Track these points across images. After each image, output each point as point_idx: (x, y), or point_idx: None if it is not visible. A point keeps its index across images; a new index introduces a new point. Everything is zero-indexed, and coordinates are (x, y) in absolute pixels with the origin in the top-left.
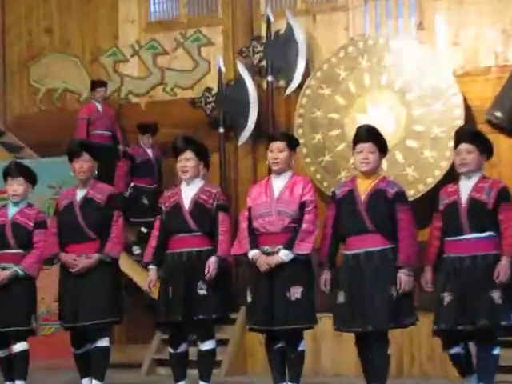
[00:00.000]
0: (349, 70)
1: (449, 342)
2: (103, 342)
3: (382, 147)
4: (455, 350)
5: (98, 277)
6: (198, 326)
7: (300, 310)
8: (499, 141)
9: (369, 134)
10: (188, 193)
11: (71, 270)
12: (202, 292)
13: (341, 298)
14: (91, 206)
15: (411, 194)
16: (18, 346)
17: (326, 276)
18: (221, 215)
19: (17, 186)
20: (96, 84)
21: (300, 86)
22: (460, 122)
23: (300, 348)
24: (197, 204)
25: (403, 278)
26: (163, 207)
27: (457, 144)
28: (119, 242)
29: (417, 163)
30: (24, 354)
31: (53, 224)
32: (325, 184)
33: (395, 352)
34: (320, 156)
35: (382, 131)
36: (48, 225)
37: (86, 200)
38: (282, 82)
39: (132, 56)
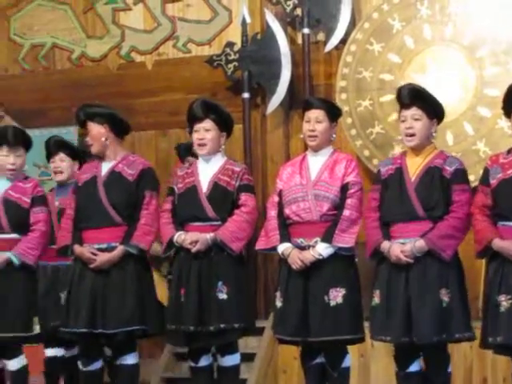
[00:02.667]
0: (405, 21)
1: None
2: (131, 359)
3: (432, 111)
4: None
5: (122, 274)
6: (216, 337)
7: (341, 318)
8: None
9: (412, 97)
10: (206, 172)
11: (89, 265)
12: (222, 296)
13: (376, 299)
14: (119, 183)
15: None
16: (13, 363)
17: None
18: (243, 196)
19: (15, 157)
20: None
21: (344, 41)
22: None
23: (344, 365)
24: (216, 186)
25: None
26: (175, 188)
27: None
28: (150, 230)
29: (490, 136)
30: (21, 373)
31: (70, 204)
32: (374, 162)
33: (462, 371)
34: (368, 127)
35: (446, 96)
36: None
37: (113, 175)
38: (321, 36)
39: (135, 4)
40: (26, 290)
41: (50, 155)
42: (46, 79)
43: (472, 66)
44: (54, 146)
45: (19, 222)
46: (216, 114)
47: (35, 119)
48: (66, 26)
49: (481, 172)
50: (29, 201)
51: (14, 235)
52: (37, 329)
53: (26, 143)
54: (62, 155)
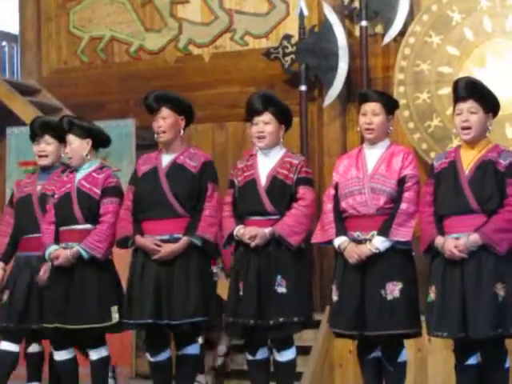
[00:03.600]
0: (464, 13)
1: None
2: (194, 349)
3: (488, 105)
4: None
5: (186, 266)
6: (275, 331)
7: (398, 312)
8: None
9: (468, 90)
10: (265, 165)
11: (152, 256)
12: (281, 289)
13: (432, 294)
14: (181, 174)
15: None
16: (94, 353)
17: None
18: (302, 190)
19: (68, 147)
20: None
21: (402, 33)
22: None
23: (400, 359)
24: (275, 180)
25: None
26: (236, 181)
27: None
28: (214, 222)
29: None
30: (104, 362)
31: (128, 195)
32: (432, 155)
33: None
34: (426, 120)
35: (505, 90)
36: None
37: (175, 166)
38: (379, 28)
39: None
40: (101, 280)
41: (34, 137)
42: (105, 72)
43: None
44: (40, 128)
45: (91, 212)
46: (275, 106)
47: (93, 112)
48: (125, 19)
49: None
50: (99, 192)
51: (85, 226)
52: (116, 317)
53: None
54: (47, 138)
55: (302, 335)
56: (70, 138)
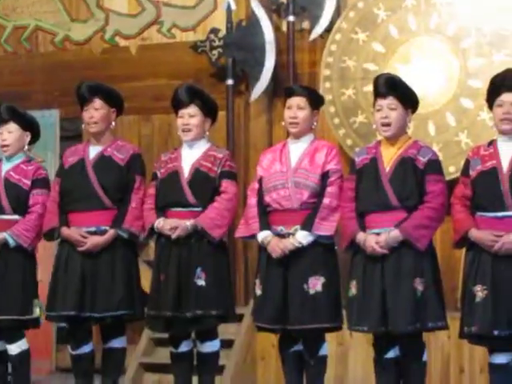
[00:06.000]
0: (390, 11)
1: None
2: (119, 342)
3: (407, 101)
4: (499, 359)
5: (111, 258)
6: (194, 324)
7: (320, 306)
8: None
9: (388, 86)
10: (189, 158)
11: (78, 248)
12: (201, 282)
13: (353, 289)
14: (109, 166)
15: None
16: (13, 348)
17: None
18: (225, 183)
19: (7, 133)
20: None
21: (328, 30)
22: None
23: (321, 353)
24: (198, 172)
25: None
26: (158, 173)
27: (497, 93)
28: (141, 215)
29: (472, 127)
30: (23, 356)
31: (54, 187)
32: (357, 151)
33: (439, 362)
34: (351, 116)
35: (429, 87)
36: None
37: (102, 158)
38: (306, 24)
39: None
40: (24, 272)
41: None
42: (29, 62)
43: (456, 57)
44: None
45: (19, 203)
46: (201, 99)
47: (18, 102)
48: (50, 9)
49: (462, 163)
50: (29, 183)
51: (13, 216)
52: (36, 312)
53: (18, 119)
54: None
55: (226, 328)
56: (12, 126)
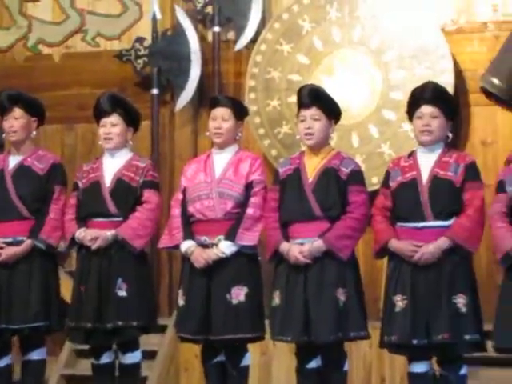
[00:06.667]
0: (314, 22)
1: (409, 358)
2: (38, 354)
3: (330, 112)
4: (418, 368)
5: (28, 269)
6: (115, 335)
7: (243, 316)
8: (496, 114)
9: (311, 97)
10: (111, 167)
11: None
12: (122, 293)
13: (276, 299)
14: (27, 176)
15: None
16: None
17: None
18: (147, 193)
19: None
20: None
21: (254, 40)
22: (449, 90)
23: (244, 363)
24: (120, 182)
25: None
26: (79, 183)
27: (417, 105)
28: (59, 225)
29: (394, 139)
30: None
31: None
32: (281, 161)
33: (361, 371)
34: (276, 127)
35: (352, 99)
36: None
37: (21, 168)
38: (231, 34)
39: None
40: None
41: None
42: None
43: (379, 70)
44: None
45: None
46: (123, 108)
47: None
48: None
49: None
50: None
51: None
52: None
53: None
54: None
55: (149, 339)
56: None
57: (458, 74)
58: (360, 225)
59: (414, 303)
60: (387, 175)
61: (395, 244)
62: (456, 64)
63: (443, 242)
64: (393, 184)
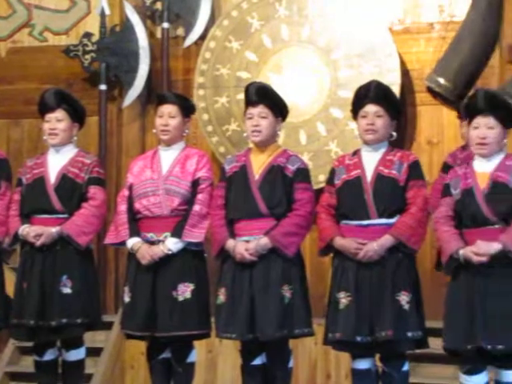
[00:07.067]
0: (263, 20)
1: (353, 354)
2: None
3: (277, 110)
4: (362, 365)
5: None
6: (59, 332)
7: (189, 313)
8: (441, 114)
9: (259, 95)
10: (56, 163)
11: None
12: (66, 290)
13: (222, 296)
14: None
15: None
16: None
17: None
18: (92, 189)
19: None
20: None
21: (203, 37)
22: (395, 90)
23: (189, 360)
24: (65, 178)
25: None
26: (23, 179)
27: (362, 104)
28: (4, 221)
29: (341, 137)
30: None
31: None
32: (227, 158)
33: (306, 368)
34: (225, 124)
35: (301, 97)
36: None
37: None
38: (180, 31)
39: None
40: None
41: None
42: None
43: (327, 68)
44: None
45: None
46: (68, 103)
47: None
48: None
49: None
50: None
51: None
52: None
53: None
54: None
55: (95, 336)
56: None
57: (405, 74)
58: (306, 222)
59: (358, 300)
60: (332, 173)
61: (339, 241)
62: (403, 63)
63: (386, 240)
64: (337, 182)
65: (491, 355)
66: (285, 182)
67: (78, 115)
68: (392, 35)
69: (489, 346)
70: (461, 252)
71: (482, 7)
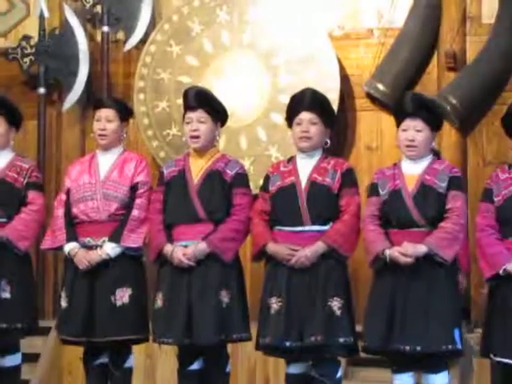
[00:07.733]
0: (204, 25)
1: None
2: None
3: (216, 115)
4: (295, 369)
5: None
6: None
7: (127, 318)
8: (381, 119)
9: (197, 99)
10: None
11: None
12: (5, 295)
13: (159, 301)
14: None
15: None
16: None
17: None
18: (31, 194)
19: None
20: None
21: (143, 41)
22: (334, 96)
23: (127, 365)
24: (3, 183)
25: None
26: None
27: (296, 111)
28: None
29: (282, 142)
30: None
31: None
32: (166, 163)
33: (245, 372)
34: (165, 129)
35: (241, 102)
36: None
37: None
38: (120, 35)
39: None
40: None
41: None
42: None
43: (267, 73)
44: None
45: None
46: (5, 107)
47: None
48: None
49: None
50: None
51: None
52: None
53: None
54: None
55: (31, 342)
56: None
57: (345, 79)
58: (244, 227)
59: (289, 306)
60: (267, 179)
61: (272, 247)
62: (342, 69)
63: (319, 247)
64: (272, 188)
65: (414, 357)
66: (223, 187)
67: (14, 119)
68: (332, 41)
69: (407, 348)
70: (387, 252)
71: (420, 14)
